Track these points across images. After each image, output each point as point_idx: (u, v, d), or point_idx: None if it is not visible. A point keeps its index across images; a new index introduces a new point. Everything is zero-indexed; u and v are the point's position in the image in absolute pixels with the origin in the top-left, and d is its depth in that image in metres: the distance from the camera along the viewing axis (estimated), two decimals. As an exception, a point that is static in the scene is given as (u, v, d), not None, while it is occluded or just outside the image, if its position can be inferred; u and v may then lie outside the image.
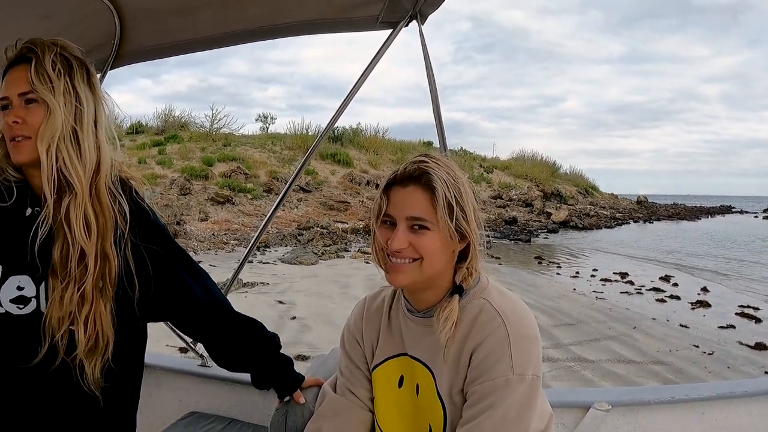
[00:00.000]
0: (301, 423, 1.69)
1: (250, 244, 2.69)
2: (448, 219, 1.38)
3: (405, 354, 1.54)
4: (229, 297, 2.61)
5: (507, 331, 1.35)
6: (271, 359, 1.80)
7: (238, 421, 2.35)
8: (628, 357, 7.98)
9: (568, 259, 18.80)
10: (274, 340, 1.82)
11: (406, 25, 2.21)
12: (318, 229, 20.30)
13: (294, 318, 9.07)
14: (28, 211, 1.42)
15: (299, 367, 1.88)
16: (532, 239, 24.02)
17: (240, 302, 9.18)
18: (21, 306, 1.39)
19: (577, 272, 15.73)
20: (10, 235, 1.40)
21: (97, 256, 1.38)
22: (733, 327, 9.96)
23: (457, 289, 1.46)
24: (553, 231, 27.55)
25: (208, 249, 16.10)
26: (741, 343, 8.88)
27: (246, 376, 1.86)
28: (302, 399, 1.78)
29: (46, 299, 1.38)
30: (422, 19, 2.17)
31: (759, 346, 8.67)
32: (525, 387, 1.32)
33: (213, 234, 18.07)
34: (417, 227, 1.39)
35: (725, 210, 67.76)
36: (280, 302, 10.01)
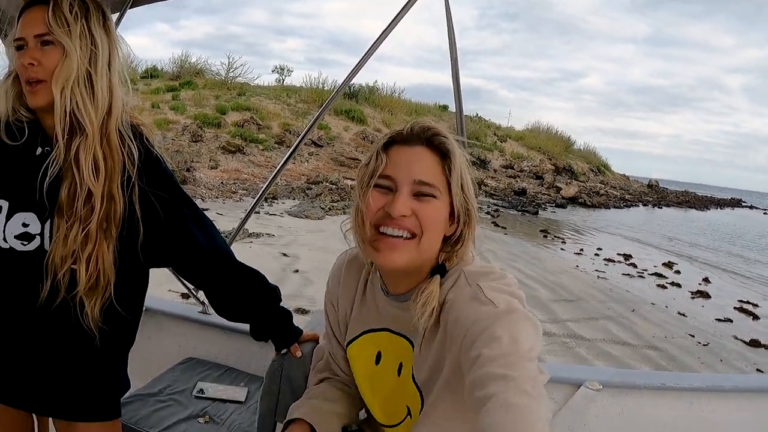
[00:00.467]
0: (296, 376, 1.70)
1: (259, 195, 2.69)
2: (461, 190, 1.22)
3: (386, 329, 1.37)
4: (233, 247, 2.62)
5: (478, 286, 1.16)
6: (271, 311, 1.81)
7: (234, 370, 2.39)
8: (624, 339, 8.05)
9: (573, 235, 18.81)
10: (274, 292, 1.82)
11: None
12: (327, 184, 20.32)
13: (297, 271, 9.14)
14: (39, 150, 1.43)
15: (298, 320, 1.89)
16: (540, 212, 24.04)
17: (244, 252, 9.22)
18: (25, 242, 1.40)
19: (581, 249, 15.75)
20: (19, 173, 1.41)
21: (104, 198, 1.38)
22: (731, 321, 9.99)
23: (439, 269, 1.26)
24: (561, 206, 27.51)
25: (216, 197, 16.15)
26: (736, 338, 8.92)
27: (245, 326, 1.88)
28: (299, 352, 1.78)
29: (50, 237, 1.39)
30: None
31: (754, 343, 8.69)
32: (518, 312, 1.10)
33: (222, 182, 18.11)
34: (423, 195, 1.20)
35: (735, 203, 67.37)
36: (284, 255, 10.09)
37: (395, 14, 2.24)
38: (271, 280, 1.84)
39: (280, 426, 1.70)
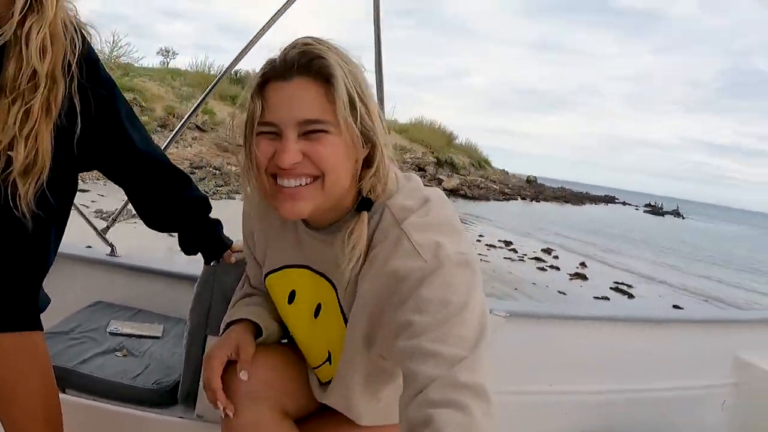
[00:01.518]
0: (229, 283, 1.65)
1: None
2: (351, 117, 1.06)
3: (305, 267, 1.28)
4: (117, 226, 2.56)
5: (403, 229, 1.08)
6: (202, 219, 1.78)
7: (146, 311, 2.33)
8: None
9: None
10: (205, 200, 1.79)
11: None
12: (211, 169, 19.90)
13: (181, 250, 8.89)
14: None
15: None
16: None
17: (129, 234, 8.86)
18: None
19: (464, 236, 16.16)
20: None
21: (48, 78, 1.33)
22: (608, 299, 10.68)
23: (364, 204, 1.14)
24: (444, 198, 28.10)
25: (97, 179, 15.41)
26: (613, 314, 9.43)
27: (155, 266, 1.80)
28: (233, 258, 1.75)
29: None
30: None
31: (629, 318, 9.20)
32: (448, 262, 1.02)
33: (101, 164, 17.30)
34: (312, 132, 1.06)
35: (609, 200, 71.12)
36: (171, 235, 9.75)
37: (281, 4, 2.32)
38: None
39: (211, 340, 1.69)
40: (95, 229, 2.48)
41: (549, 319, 2.44)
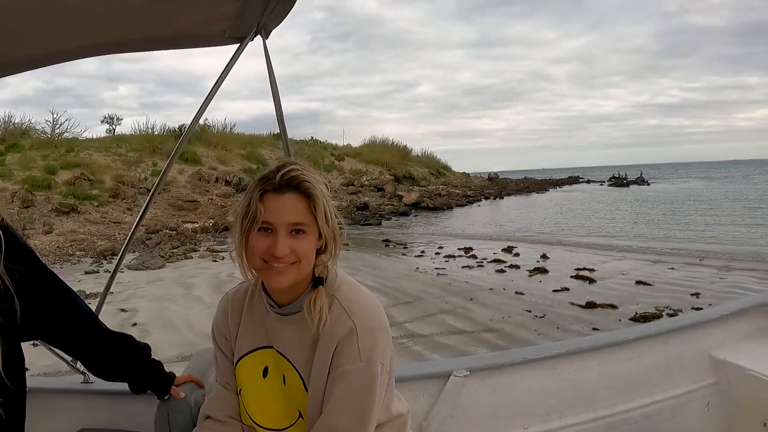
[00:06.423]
0: (182, 417, 1.85)
1: (116, 262, 2.72)
2: (325, 223, 1.49)
3: (270, 347, 1.61)
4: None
5: (354, 324, 1.48)
6: (144, 365, 1.93)
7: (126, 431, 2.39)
8: (461, 328, 8.51)
9: (414, 239, 19.66)
10: (144, 348, 1.95)
11: (252, 40, 2.28)
12: (166, 231, 19.90)
13: (135, 324, 9.04)
14: None
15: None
16: (383, 222, 24.84)
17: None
18: None
19: (423, 251, 16.38)
20: None
21: None
22: (567, 289, 10.79)
23: (318, 281, 1.56)
24: (404, 213, 28.38)
25: (53, 263, 15.30)
26: (573, 304, 9.61)
27: (128, 389, 1.94)
28: (181, 394, 1.93)
29: None
30: (266, 34, 2.25)
31: (589, 305, 9.44)
32: (372, 369, 1.47)
33: (58, 247, 17.21)
34: (296, 232, 1.47)
35: (573, 180, 71.85)
36: (123, 310, 9.90)
37: (222, 69, 2.35)
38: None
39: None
40: (66, 360, 2.52)
41: (511, 366, 2.43)
